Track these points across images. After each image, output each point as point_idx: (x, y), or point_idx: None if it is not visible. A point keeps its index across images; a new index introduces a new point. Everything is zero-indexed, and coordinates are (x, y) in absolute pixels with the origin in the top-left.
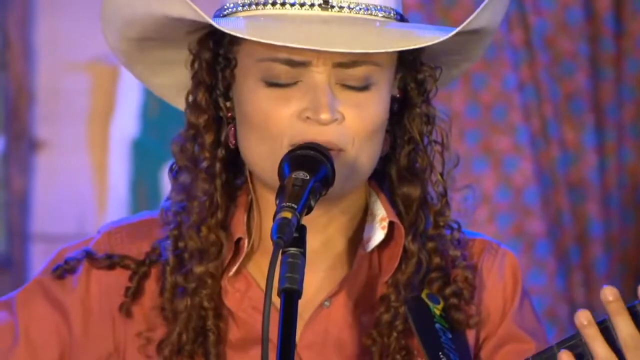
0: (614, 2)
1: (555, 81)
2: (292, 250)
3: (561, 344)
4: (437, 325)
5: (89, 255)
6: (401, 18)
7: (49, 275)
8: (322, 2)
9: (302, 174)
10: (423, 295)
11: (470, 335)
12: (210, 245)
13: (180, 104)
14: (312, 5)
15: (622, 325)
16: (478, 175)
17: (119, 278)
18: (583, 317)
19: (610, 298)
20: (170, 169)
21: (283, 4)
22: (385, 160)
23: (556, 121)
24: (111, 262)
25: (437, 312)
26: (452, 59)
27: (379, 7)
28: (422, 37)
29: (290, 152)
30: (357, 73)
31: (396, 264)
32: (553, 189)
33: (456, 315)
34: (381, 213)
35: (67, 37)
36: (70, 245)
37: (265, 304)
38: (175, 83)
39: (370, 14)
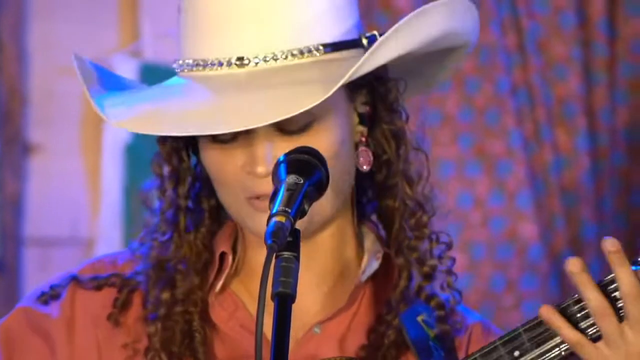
0: (607, 6)
1: (548, 85)
2: (286, 254)
3: (526, 324)
4: (431, 343)
5: (74, 279)
6: (334, 48)
7: (33, 303)
8: (236, 61)
9: (295, 178)
10: (419, 320)
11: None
12: (179, 276)
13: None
14: (229, 64)
15: (624, 275)
16: (471, 179)
17: (106, 297)
18: (573, 265)
19: (612, 249)
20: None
21: (205, 66)
22: (369, 175)
23: (549, 125)
24: (98, 283)
25: (432, 335)
26: (425, 69)
27: (299, 50)
28: (318, 94)
29: (284, 156)
30: (293, 119)
31: (389, 293)
32: (546, 192)
33: (443, 327)
34: (375, 248)
35: (61, 40)
36: (54, 278)
37: (258, 308)
38: None
39: (292, 60)
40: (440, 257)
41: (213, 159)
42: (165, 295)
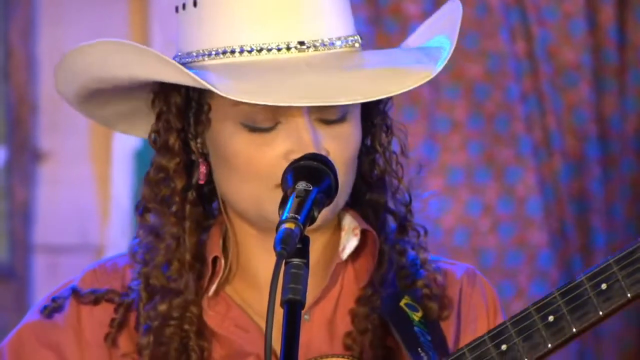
0: (617, 13)
1: (558, 92)
2: (296, 261)
3: (534, 305)
4: (416, 328)
5: (74, 292)
6: (361, 42)
7: (37, 318)
8: (297, 44)
9: (305, 185)
10: (402, 304)
11: (449, 338)
12: (176, 284)
13: (121, 130)
14: (288, 48)
15: None
16: (481, 186)
17: (104, 313)
18: None
19: None
20: (136, 207)
21: (260, 50)
22: None
23: (559, 132)
24: (95, 297)
25: (416, 319)
26: None
27: (348, 39)
28: (401, 79)
29: (293, 162)
30: (334, 108)
31: (372, 270)
32: (556, 200)
33: (429, 303)
34: (353, 224)
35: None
36: (55, 289)
37: (268, 315)
38: (116, 112)
39: (347, 46)
40: (422, 247)
41: (244, 147)
42: (163, 308)
